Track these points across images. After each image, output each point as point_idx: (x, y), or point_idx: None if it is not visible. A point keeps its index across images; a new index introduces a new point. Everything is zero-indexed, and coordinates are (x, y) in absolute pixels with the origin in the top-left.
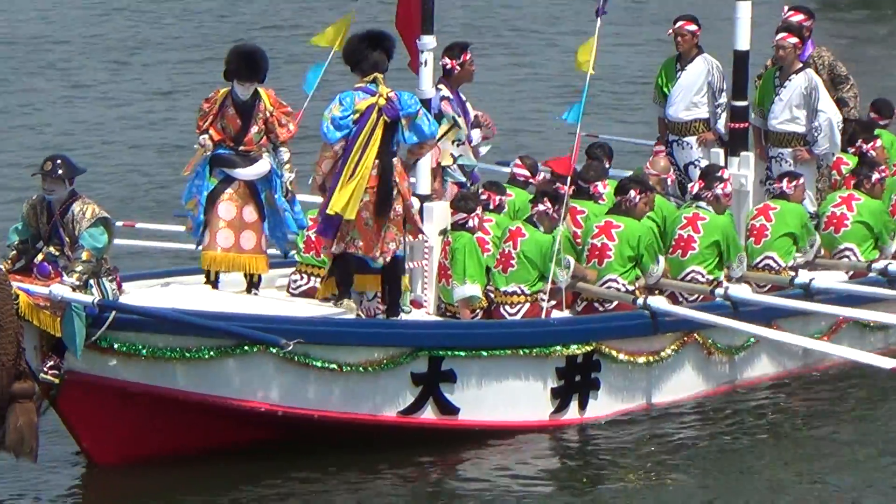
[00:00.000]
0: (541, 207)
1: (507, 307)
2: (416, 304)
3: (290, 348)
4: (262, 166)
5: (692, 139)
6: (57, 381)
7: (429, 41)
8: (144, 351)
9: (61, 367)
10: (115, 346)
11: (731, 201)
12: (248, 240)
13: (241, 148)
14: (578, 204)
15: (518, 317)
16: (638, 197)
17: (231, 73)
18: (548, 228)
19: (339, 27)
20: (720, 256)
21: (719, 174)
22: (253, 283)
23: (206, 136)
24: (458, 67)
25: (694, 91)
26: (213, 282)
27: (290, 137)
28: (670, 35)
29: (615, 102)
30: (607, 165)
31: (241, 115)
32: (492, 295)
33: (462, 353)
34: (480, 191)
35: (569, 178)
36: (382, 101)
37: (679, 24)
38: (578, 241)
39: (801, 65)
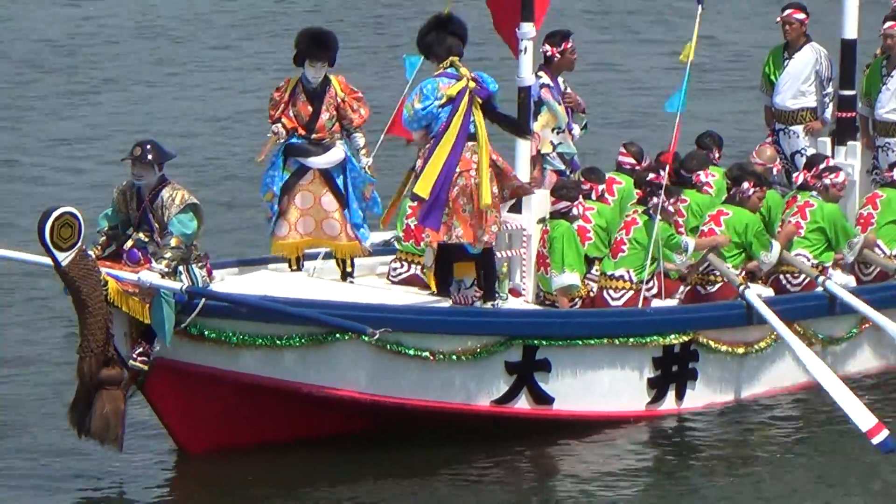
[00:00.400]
0: (654, 200)
1: (610, 292)
2: (515, 292)
3: (377, 337)
4: (335, 154)
5: (799, 128)
6: (146, 368)
7: (528, 29)
8: (234, 338)
9: (150, 354)
10: (205, 332)
11: (842, 192)
12: (332, 227)
13: (314, 136)
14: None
15: (620, 304)
16: (752, 190)
17: (301, 54)
18: (665, 219)
19: None
20: (828, 243)
21: (829, 164)
22: (347, 273)
23: (279, 124)
24: (558, 55)
25: (801, 80)
26: (298, 267)
27: (364, 122)
28: (778, 23)
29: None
30: (717, 155)
31: (311, 102)
32: (595, 282)
33: (557, 343)
34: (581, 179)
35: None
36: (472, 84)
37: (787, 12)
38: (680, 230)
39: None
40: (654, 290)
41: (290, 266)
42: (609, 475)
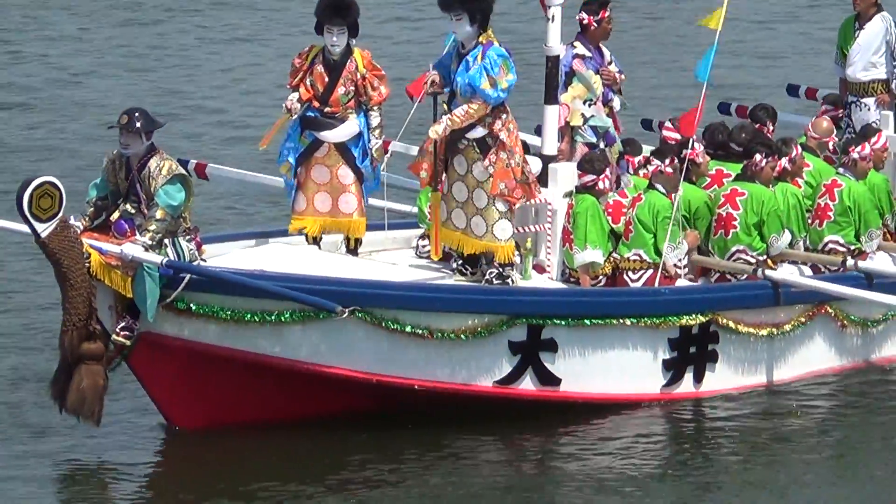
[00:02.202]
0: (650, 167)
1: (629, 273)
2: (540, 268)
3: (344, 316)
4: (349, 127)
5: (870, 100)
6: (128, 343)
7: None
8: (223, 313)
9: (134, 328)
10: (193, 307)
11: (871, 165)
12: (348, 203)
13: (327, 109)
14: (726, 167)
15: (639, 283)
16: (764, 161)
17: (320, 19)
18: (667, 187)
19: None
20: (858, 225)
21: (855, 136)
22: (352, 249)
23: (297, 94)
24: (594, 24)
25: (872, 51)
26: (315, 243)
27: (382, 101)
28: None
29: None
30: (771, 128)
31: (329, 73)
32: (617, 261)
33: (564, 322)
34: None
35: (692, 140)
36: None
37: None
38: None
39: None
40: (688, 270)
41: (307, 241)
42: (619, 459)
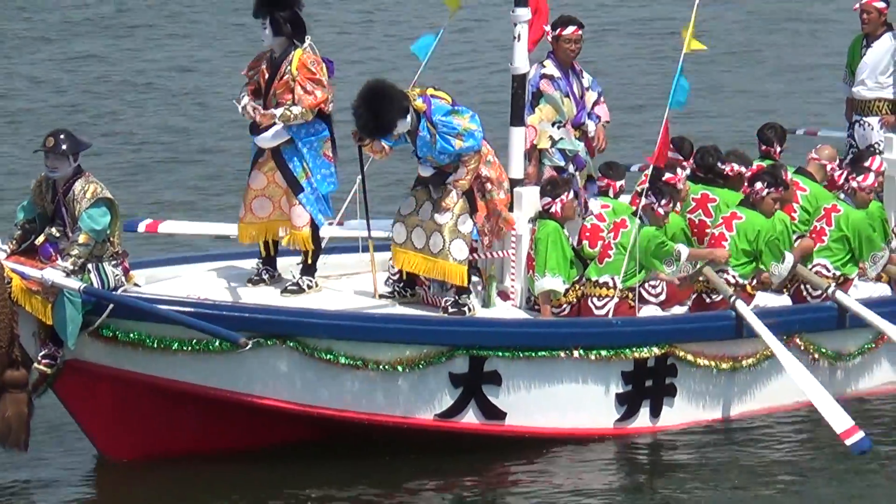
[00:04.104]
0: (645, 201)
1: (594, 299)
2: (504, 295)
3: (248, 347)
4: (275, 131)
5: (874, 120)
6: (50, 371)
7: (522, 13)
8: (150, 342)
9: (57, 356)
10: (118, 335)
11: (872, 196)
12: (289, 210)
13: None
14: (712, 191)
15: (603, 312)
16: (765, 191)
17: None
18: (653, 223)
19: None
20: (852, 253)
21: (861, 165)
22: (308, 266)
23: (241, 95)
24: (552, 41)
25: (879, 69)
26: (271, 258)
27: (312, 106)
28: (856, 11)
29: None
30: (778, 150)
31: (269, 72)
32: (583, 286)
33: (507, 354)
34: (598, 177)
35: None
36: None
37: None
38: (707, 229)
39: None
40: (663, 297)
41: (261, 254)
42: (572, 495)
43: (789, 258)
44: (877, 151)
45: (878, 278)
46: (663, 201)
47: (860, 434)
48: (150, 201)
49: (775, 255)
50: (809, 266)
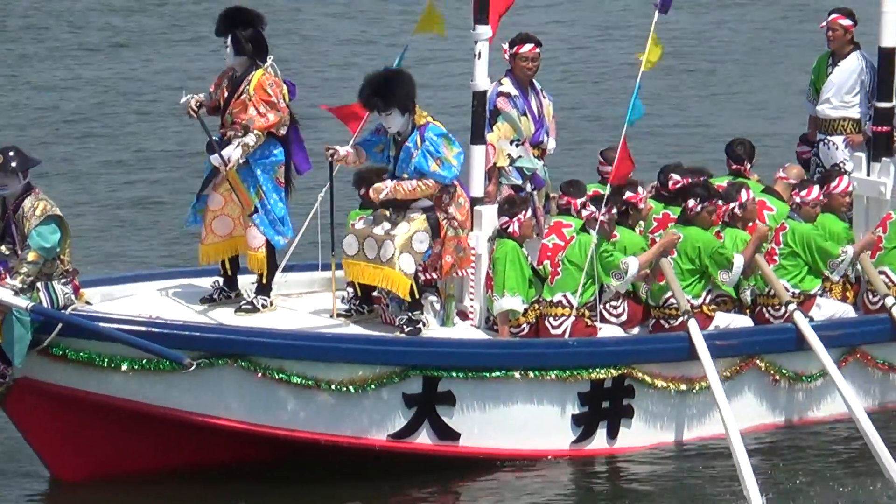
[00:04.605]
0: (585, 212)
1: (551, 319)
2: (463, 314)
3: (192, 368)
4: (228, 151)
5: (839, 139)
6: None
7: (482, 31)
8: (100, 360)
9: (7, 374)
10: (69, 354)
11: (817, 210)
12: (245, 230)
13: (220, 129)
14: (672, 211)
15: (560, 332)
16: (700, 206)
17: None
18: (599, 234)
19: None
20: (808, 268)
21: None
22: (263, 286)
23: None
24: (507, 57)
25: (845, 89)
26: (231, 277)
27: (264, 129)
28: (822, 29)
29: None
30: (748, 166)
31: (228, 90)
32: (541, 307)
33: (462, 375)
34: (559, 195)
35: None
36: None
37: (831, 17)
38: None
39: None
40: (625, 317)
41: (221, 274)
42: None
43: (738, 260)
44: (843, 171)
45: (844, 297)
46: (603, 209)
47: None
48: None
49: (721, 263)
50: (767, 289)
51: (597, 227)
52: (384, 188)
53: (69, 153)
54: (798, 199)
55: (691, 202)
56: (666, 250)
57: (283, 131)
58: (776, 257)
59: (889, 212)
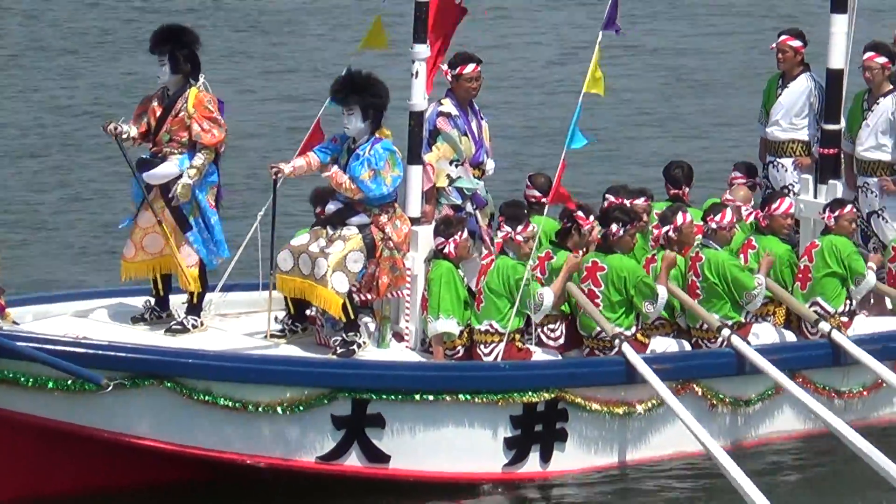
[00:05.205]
0: (500, 233)
1: (482, 346)
2: (399, 336)
3: (109, 389)
4: (166, 168)
5: (788, 161)
6: None
7: (420, 50)
8: (24, 380)
9: None
10: None
11: (732, 232)
12: (178, 249)
13: (152, 147)
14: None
15: (491, 357)
16: (622, 230)
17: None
18: (518, 256)
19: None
20: (731, 296)
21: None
22: (193, 306)
23: (124, 124)
24: (451, 79)
25: (794, 111)
26: (163, 297)
27: (213, 144)
28: (772, 50)
29: None
30: (687, 190)
31: (161, 109)
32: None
33: (391, 397)
34: (499, 216)
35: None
36: None
37: (781, 38)
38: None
39: (890, 87)
40: (562, 340)
41: (153, 293)
42: None
43: (662, 291)
44: (791, 193)
45: (788, 321)
46: (519, 227)
47: None
48: None
49: (645, 293)
50: (697, 324)
51: (518, 248)
52: (331, 171)
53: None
54: (713, 225)
55: (613, 226)
56: (570, 274)
57: (222, 149)
58: (698, 291)
59: (813, 240)
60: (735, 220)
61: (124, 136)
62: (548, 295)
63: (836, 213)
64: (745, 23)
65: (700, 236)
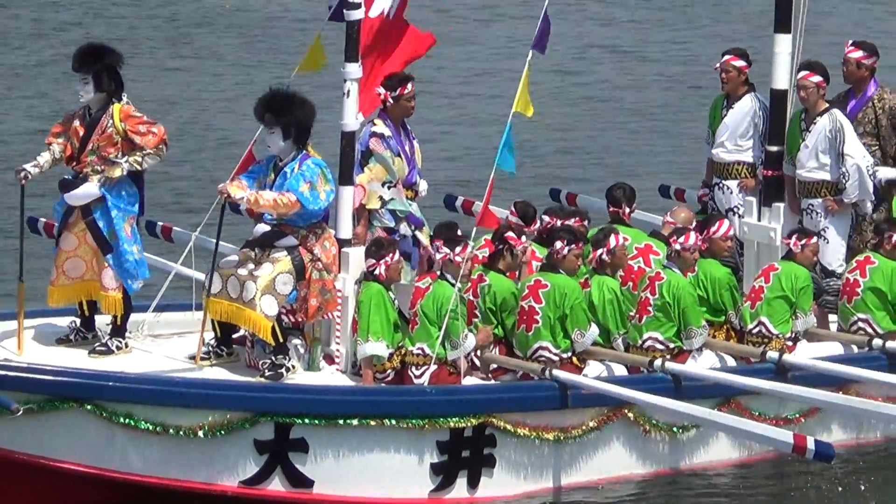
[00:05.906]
0: (438, 255)
1: (413, 368)
2: (329, 359)
3: (19, 413)
4: (86, 189)
5: (733, 183)
6: None
7: (352, 70)
8: None
9: None
10: None
11: (696, 256)
12: (99, 272)
13: (75, 166)
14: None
15: (423, 379)
16: (566, 249)
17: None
18: (456, 277)
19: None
20: (679, 323)
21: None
22: (116, 328)
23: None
24: (391, 100)
25: (739, 132)
26: (88, 319)
27: (158, 143)
28: (716, 69)
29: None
30: (628, 210)
31: (84, 129)
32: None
33: (314, 421)
34: (433, 238)
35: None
36: None
37: (724, 58)
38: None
39: (826, 106)
40: (495, 365)
41: (78, 314)
42: None
43: (594, 330)
44: (736, 215)
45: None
46: (458, 249)
47: (811, 439)
48: None
49: (580, 322)
50: (640, 341)
51: (457, 270)
52: (243, 192)
53: None
54: (677, 247)
55: (558, 244)
56: (485, 343)
57: (146, 165)
58: (650, 308)
59: (773, 263)
60: (697, 243)
61: (37, 169)
62: (471, 341)
63: (803, 242)
64: None
65: (663, 257)
